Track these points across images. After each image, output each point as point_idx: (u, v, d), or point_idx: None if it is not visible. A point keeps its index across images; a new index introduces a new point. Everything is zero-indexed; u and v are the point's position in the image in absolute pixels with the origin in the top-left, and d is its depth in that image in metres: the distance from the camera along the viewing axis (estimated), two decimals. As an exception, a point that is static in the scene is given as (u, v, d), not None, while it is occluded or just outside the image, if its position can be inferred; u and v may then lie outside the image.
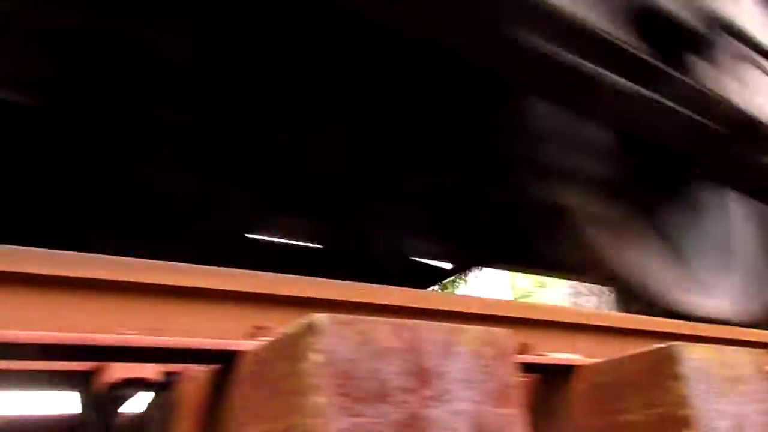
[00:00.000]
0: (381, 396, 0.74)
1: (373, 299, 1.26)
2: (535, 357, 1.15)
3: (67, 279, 1.06)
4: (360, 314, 0.82)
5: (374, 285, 1.30)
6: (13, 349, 0.86)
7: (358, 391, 0.73)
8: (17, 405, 1.45)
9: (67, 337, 0.88)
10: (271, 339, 0.84)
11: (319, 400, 0.71)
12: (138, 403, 1.13)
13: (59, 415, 1.42)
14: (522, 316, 1.68)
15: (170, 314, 1.19)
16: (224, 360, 0.97)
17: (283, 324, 1.22)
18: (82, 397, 1.27)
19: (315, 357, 0.73)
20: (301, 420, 0.72)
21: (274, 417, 0.78)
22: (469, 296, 1.57)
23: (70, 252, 1.07)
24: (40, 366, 1.12)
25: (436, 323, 0.82)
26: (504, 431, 0.80)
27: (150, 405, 1.10)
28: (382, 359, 0.76)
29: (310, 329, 0.74)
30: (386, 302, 1.27)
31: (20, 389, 1.31)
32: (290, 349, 0.77)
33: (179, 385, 1.07)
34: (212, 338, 1.08)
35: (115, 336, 0.91)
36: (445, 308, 1.34)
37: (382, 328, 0.77)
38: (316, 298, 1.28)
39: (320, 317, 0.74)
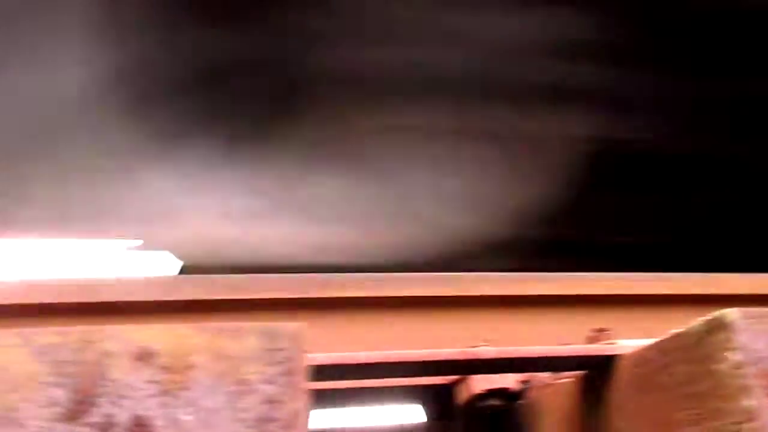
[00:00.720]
0: (815, 395, 0.66)
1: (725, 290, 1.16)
2: None
3: (425, 299, 1.11)
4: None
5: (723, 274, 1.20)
6: (387, 367, 0.91)
7: (788, 391, 0.66)
8: (364, 419, 1.56)
9: (435, 354, 0.92)
10: (657, 340, 0.79)
11: (750, 403, 0.64)
12: (493, 413, 1.15)
13: (400, 426, 1.50)
14: None
15: (507, 323, 1.20)
16: (586, 366, 0.95)
17: (622, 325, 1.17)
18: (426, 409, 1.32)
19: (733, 356, 0.66)
20: (727, 426, 0.66)
21: (679, 423, 0.73)
22: None
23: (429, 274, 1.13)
24: (400, 382, 1.18)
25: None
26: None
27: (506, 413, 1.11)
28: (807, 354, 0.68)
29: (721, 326, 0.68)
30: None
31: (368, 404, 1.41)
32: (694, 349, 0.71)
33: (533, 392, 1.07)
34: (550, 344, 1.07)
35: (482, 349, 0.92)
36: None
37: (800, 319, 0.69)
38: (649, 294, 1.21)
39: (730, 312, 0.68)
